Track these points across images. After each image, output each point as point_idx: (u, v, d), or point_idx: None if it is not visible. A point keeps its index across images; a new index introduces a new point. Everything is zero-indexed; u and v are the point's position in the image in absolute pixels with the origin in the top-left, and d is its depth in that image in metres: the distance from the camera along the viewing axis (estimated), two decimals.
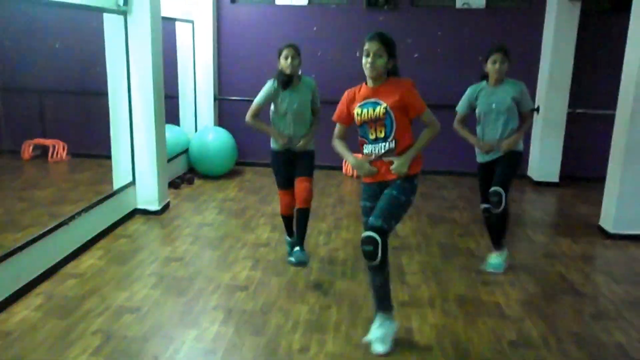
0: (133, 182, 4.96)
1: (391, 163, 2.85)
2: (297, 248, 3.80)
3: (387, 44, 2.79)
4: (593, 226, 5.09)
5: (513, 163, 3.88)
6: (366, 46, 2.79)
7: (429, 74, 6.65)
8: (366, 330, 3.05)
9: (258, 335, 3.05)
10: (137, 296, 3.47)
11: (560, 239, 4.81)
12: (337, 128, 3.10)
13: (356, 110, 2.86)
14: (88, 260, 3.99)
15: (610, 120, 6.57)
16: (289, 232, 4.05)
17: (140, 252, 4.20)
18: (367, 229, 2.82)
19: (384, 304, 2.96)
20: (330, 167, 6.95)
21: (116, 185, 4.82)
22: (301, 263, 3.76)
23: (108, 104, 4.77)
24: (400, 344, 2.99)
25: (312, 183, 3.85)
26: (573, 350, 3.01)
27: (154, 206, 5.04)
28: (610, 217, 4.82)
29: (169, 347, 2.91)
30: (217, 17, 6.73)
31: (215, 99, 6.88)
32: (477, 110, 3.94)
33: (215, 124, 6.91)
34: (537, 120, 6.65)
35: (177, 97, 6.73)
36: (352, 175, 6.77)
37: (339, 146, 3.08)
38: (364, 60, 2.80)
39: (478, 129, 3.97)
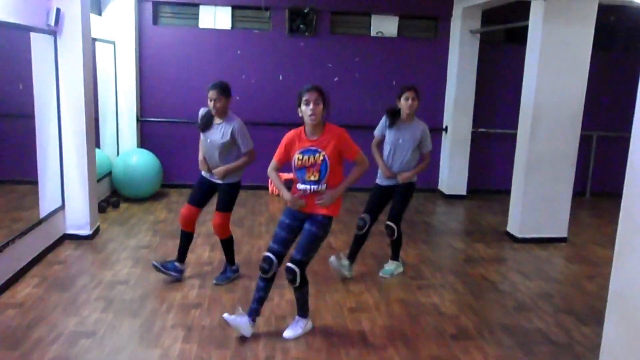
0: (62, 207, 4.78)
1: (319, 196, 3.17)
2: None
3: (323, 93, 3.07)
4: (501, 232, 5.71)
5: (408, 194, 4.33)
6: (306, 96, 3.03)
7: (347, 96, 7.08)
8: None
9: (223, 349, 3.13)
10: (89, 320, 3.40)
11: (475, 244, 5.35)
12: (274, 163, 3.34)
13: (297, 156, 3.14)
14: (24, 289, 3.81)
15: (508, 138, 7.41)
16: (180, 254, 4.14)
17: (79, 278, 4.07)
18: (289, 260, 3.18)
19: (304, 309, 3.40)
20: (256, 187, 7.11)
21: (44, 210, 4.61)
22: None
23: (19, 126, 4.61)
24: (358, 344, 3.24)
25: (226, 218, 4.07)
26: (504, 338, 3.43)
27: (85, 231, 4.88)
28: (516, 224, 5.46)
29: None
30: (139, 38, 6.68)
31: (137, 121, 6.78)
32: (386, 140, 4.29)
33: (138, 146, 6.80)
34: (445, 139, 7.32)
35: (96, 119, 6.53)
36: (278, 195, 6.96)
37: (275, 179, 3.39)
38: (304, 108, 3.04)
39: (385, 155, 4.30)
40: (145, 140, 6.90)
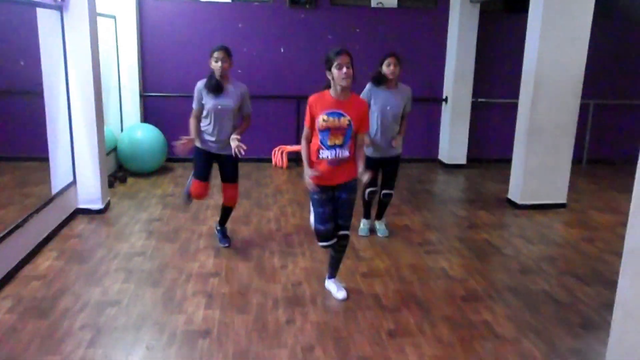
0: (74, 182, 4.85)
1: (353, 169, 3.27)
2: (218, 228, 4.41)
3: (352, 57, 3.08)
4: (502, 199, 5.86)
5: (398, 165, 4.55)
6: (338, 60, 3.02)
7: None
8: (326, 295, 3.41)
9: (244, 314, 3.27)
10: (112, 290, 3.52)
11: (478, 211, 5.49)
12: (306, 130, 3.27)
13: (322, 117, 3.11)
14: (44, 262, 3.91)
15: (507, 108, 7.50)
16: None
17: (97, 250, 4.18)
18: (336, 234, 3.34)
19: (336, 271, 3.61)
20: (259, 160, 7.19)
21: (56, 186, 4.68)
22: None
23: (28, 102, 4.63)
24: (373, 307, 3.39)
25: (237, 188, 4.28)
26: (511, 299, 3.59)
27: (97, 205, 4.97)
28: (517, 191, 5.59)
29: (164, 332, 3.04)
30: (140, 12, 6.65)
31: (140, 96, 6.80)
32: (372, 109, 4.25)
33: (141, 121, 6.83)
34: (446, 110, 7.41)
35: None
36: (282, 167, 7.05)
37: (304, 150, 3.29)
38: (335, 72, 3.03)
39: (373, 125, 4.26)
40: (148, 115, 6.94)
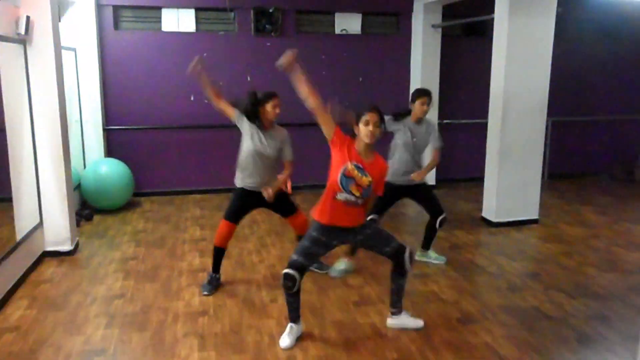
0: (41, 223, 4.58)
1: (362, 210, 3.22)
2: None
3: (382, 118, 3.08)
4: (477, 218, 5.95)
5: (429, 189, 4.63)
6: (367, 116, 3.00)
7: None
8: (335, 329, 3.32)
9: (242, 353, 3.13)
10: (95, 338, 3.29)
11: (456, 231, 5.54)
12: (330, 118, 3.12)
13: (351, 166, 3.04)
14: (15, 312, 3.64)
15: (473, 128, 7.70)
16: (216, 267, 4.07)
17: (72, 295, 3.92)
18: (397, 253, 3.29)
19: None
20: (229, 190, 7.03)
21: (22, 228, 4.39)
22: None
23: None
24: (373, 337, 3.31)
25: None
26: (506, 318, 3.59)
27: (66, 246, 4.70)
28: (491, 209, 5.69)
29: None
30: (101, 44, 6.46)
31: (103, 130, 6.56)
32: (396, 142, 4.39)
33: (105, 156, 6.58)
34: None
35: None
36: None
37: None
38: (363, 129, 3.01)
39: (398, 157, 4.37)
40: (112, 149, 6.69)
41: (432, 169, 4.53)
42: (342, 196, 3.10)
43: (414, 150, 4.35)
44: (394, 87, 7.47)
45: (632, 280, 4.26)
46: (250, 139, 3.88)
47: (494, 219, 5.66)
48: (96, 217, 5.94)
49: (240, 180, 3.99)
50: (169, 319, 3.55)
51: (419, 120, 4.38)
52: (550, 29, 5.33)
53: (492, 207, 5.67)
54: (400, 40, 7.37)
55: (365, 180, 3.07)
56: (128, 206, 6.38)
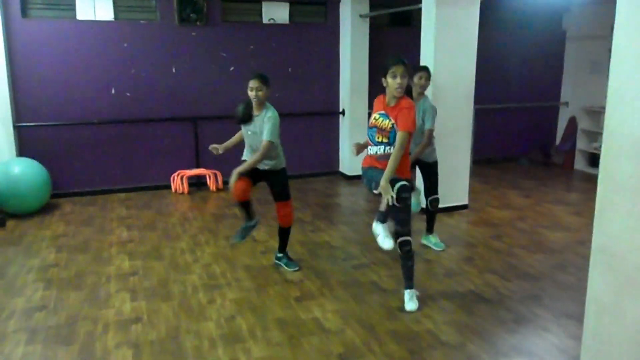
0: None
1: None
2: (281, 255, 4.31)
3: (408, 67, 3.28)
4: None
5: (436, 171, 4.71)
6: (393, 69, 3.22)
7: (245, 86, 6.92)
8: (278, 328, 3.23)
9: (180, 359, 2.96)
10: (15, 356, 3.00)
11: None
12: None
13: (374, 115, 3.40)
14: None
15: None
16: (249, 215, 4.13)
17: None
18: (398, 235, 3.50)
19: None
20: (157, 187, 6.74)
21: None
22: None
23: None
24: (316, 332, 3.25)
25: (290, 204, 4.17)
26: (445, 303, 3.66)
27: None
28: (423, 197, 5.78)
29: None
30: (7, 34, 5.90)
31: (14, 127, 6.02)
32: None
33: (17, 155, 6.05)
34: (344, 122, 7.52)
35: None
36: (183, 192, 6.65)
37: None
38: (391, 80, 3.20)
39: None
40: (25, 147, 6.16)
41: (423, 149, 4.51)
42: (372, 150, 3.41)
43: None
44: (324, 77, 7.42)
45: (557, 259, 4.48)
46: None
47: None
48: (10, 223, 5.46)
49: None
50: (99, 330, 3.30)
51: (419, 97, 4.45)
52: (475, 18, 5.47)
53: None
54: (329, 29, 7.32)
55: (387, 123, 3.31)
56: (46, 209, 5.92)
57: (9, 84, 5.92)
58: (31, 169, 5.69)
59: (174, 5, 6.44)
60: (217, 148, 4.15)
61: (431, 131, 4.49)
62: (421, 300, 3.69)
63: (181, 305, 3.64)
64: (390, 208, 3.32)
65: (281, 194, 4.09)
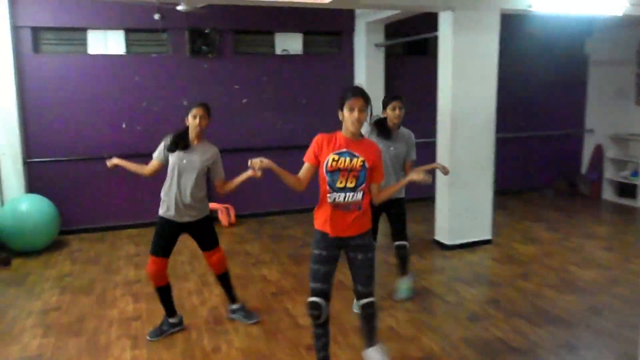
0: None
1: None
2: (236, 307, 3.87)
3: (368, 100, 2.81)
4: (429, 241, 5.74)
5: (404, 210, 4.21)
6: (350, 101, 2.77)
7: (258, 117, 6.82)
8: None
9: None
10: None
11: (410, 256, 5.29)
12: (305, 167, 2.89)
13: (332, 157, 2.79)
14: None
15: (418, 147, 7.55)
16: (169, 310, 3.70)
17: None
18: (360, 297, 2.95)
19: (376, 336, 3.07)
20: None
21: None
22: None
23: None
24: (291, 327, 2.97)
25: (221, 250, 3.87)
26: (470, 353, 3.34)
27: None
28: (444, 231, 5.50)
29: None
30: (18, 69, 5.87)
31: (24, 163, 5.94)
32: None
33: (26, 191, 5.95)
34: None
35: None
36: None
37: (281, 172, 2.86)
38: (347, 114, 2.78)
39: None
40: (34, 183, 6.06)
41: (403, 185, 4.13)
42: (334, 198, 2.80)
43: (394, 160, 4.02)
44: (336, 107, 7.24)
45: (591, 301, 4.13)
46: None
47: (447, 242, 5.47)
48: (15, 261, 5.31)
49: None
50: None
51: (395, 128, 4.07)
52: (494, 45, 5.27)
53: (445, 229, 5.49)
54: (343, 59, 7.18)
55: (357, 161, 2.79)
56: (53, 246, 5.77)
57: (19, 120, 5.86)
58: (39, 206, 5.56)
59: (185, 38, 6.37)
60: (111, 159, 3.73)
61: (413, 163, 4.15)
62: (443, 349, 3.39)
63: (184, 354, 3.40)
64: (357, 265, 2.92)
65: (212, 241, 3.77)
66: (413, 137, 4.18)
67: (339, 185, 2.80)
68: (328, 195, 2.82)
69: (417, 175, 2.91)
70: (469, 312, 3.98)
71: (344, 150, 2.81)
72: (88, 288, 4.59)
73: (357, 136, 2.87)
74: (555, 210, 7.19)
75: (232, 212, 6.63)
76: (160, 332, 3.62)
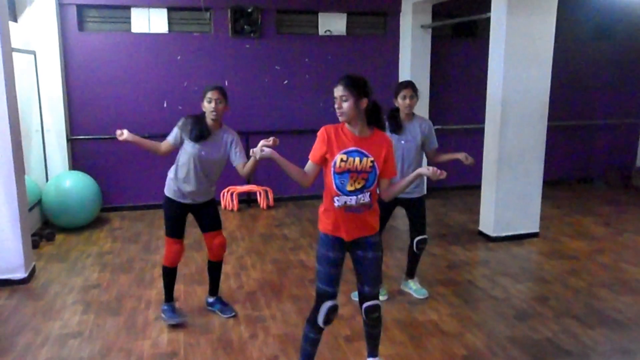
0: None
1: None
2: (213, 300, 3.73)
3: (352, 86, 2.56)
4: (474, 232, 5.53)
5: (424, 207, 3.96)
6: (334, 92, 2.57)
7: (299, 99, 6.69)
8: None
9: None
10: None
11: (453, 247, 5.11)
12: (309, 165, 2.65)
13: (340, 157, 2.55)
14: None
15: (463, 133, 7.32)
16: (169, 295, 3.63)
17: (20, 335, 3.39)
18: (366, 299, 2.71)
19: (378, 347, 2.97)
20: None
21: None
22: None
23: None
24: None
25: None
26: (517, 354, 3.17)
27: (20, 274, 4.17)
28: (490, 222, 5.28)
29: None
30: (64, 47, 5.92)
31: (67, 140, 6.01)
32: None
33: (69, 168, 6.03)
34: None
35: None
36: (233, 209, 6.44)
37: (288, 166, 2.64)
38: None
39: None
40: (77, 161, 6.14)
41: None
42: (342, 201, 2.56)
43: (407, 153, 3.74)
44: (383, 91, 7.01)
45: None
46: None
47: (492, 233, 5.25)
48: (59, 237, 5.40)
49: None
50: None
51: (407, 118, 3.75)
52: (551, 28, 4.96)
53: (490, 220, 5.27)
54: (388, 41, 6.95)
55: (366, 162, 2.54)
56: (95, 223, 5.85)
57: (63, 97, 5.92)
58: (83, 183, 5.63)
59: (227, 18, 6.28)
60: (122, 133, 3.40)
61: (435, 152, 3.86)
62: (488, 348, 3.23)
63: (220, 339, 3.34)
64: (366, 265, 2.69)
65: (216, 222, 3.59)
66: (431, 124, 3.86)
67: (349, 188, 2.56)
68: (337, 198, 2.57)
69: (425, 170, 2.57)
70: (516, 309, 3.79)
71: (353, 149, 2.56)
72: (127, 267, 4.62)
73: (366, 129, 2.61)
74: (606, 203, 6.83)
75: (271, 195, 6.56)
76: (178, 315, 3.58)
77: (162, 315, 3.58)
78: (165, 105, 6.32)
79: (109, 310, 3.76)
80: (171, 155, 3.53)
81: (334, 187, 2.57)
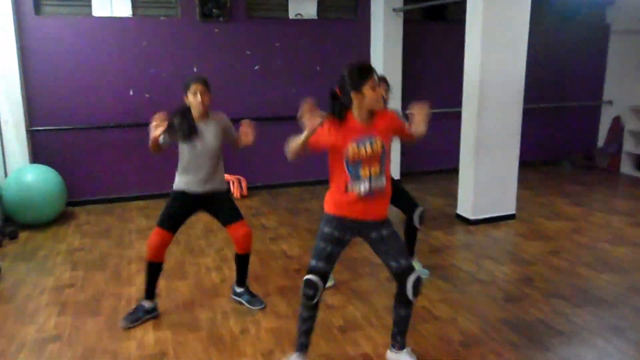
0: None
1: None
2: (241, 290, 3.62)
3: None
4: (451, 215, 5.56)
5: (402, 186, 4.05)
6: (376, 77, 2.53)
7: (271, 85, 6.53)
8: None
9: None
10: None
11: (433, 232, 5.10)
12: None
13: (352, 148, 2.52)
14: None
15: (438, 117, 7.30)
16: (150, 291, 3.42)
17: None
18: (405, 274, 2.66)
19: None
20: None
21: None
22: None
23: None
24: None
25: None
26: (512, 336, 3.18)
27: None
28: (468, 205, 5.31)
29: None
30: (20, 32, 5.53)
31: (27, 131, 5.65)
32: None
33: (30, 162, 5.68)
34: None
35: None
36: None
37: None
38: (370, 93, 2.50)
39: None
40: (39, 153, 5.79)
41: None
42: (359, 188, 2.56)
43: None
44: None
45: (629, 280, 3.97)
46: None
47: (470, 216, 5.28)
48: (22, 235, 5.09)
49: None
50: None
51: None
52: (526, 13, 4.97)
53: (469, 203, 5.29)
54: (360, 25, 6.85)
55: (378, 145, 2.55)
56: (61, 219, 5.55)
57: (21, 85, 5.55)
58: (45, 177, 5.32)
59: (195, 1, 6.02)
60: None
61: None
62: (484, 332, 3.22)
63: (210, 336, 3.21)
64: (387, 241, 2.68)
65: (235, 212, 3.45)
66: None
67: (363, 175, 2.55)
68: (350, 184, 2.57)
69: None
70: (504, 291, 3.81)
71: (361, 136, 2.55)
72: (101, 263, 4.39)
73: (371, 115, 2.59)
74: (574, 183, 7.00)
75: (244, 184, 6.40)
76: (136, 319, 3.34)
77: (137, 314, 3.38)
78: (131, 93, 6.03)
79: (87, 310, 3.56)
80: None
81: (348, 175, 2.56)
